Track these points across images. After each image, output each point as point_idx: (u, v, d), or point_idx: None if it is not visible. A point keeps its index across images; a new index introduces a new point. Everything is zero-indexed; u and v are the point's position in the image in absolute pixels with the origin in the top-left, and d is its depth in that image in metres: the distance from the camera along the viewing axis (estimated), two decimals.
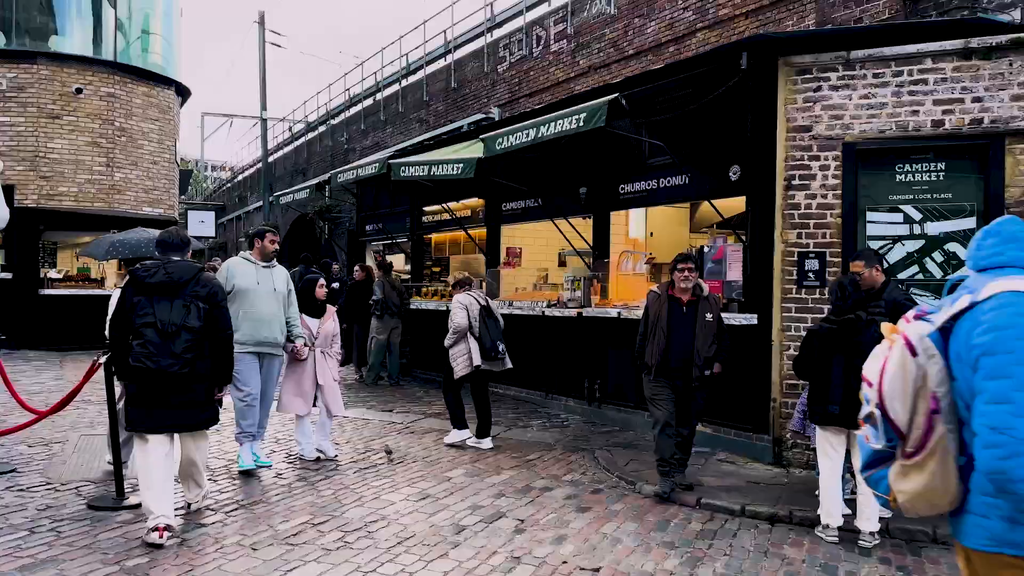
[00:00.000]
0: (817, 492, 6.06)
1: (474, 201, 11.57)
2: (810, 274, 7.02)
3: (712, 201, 7.41)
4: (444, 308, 11.41)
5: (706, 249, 8.08)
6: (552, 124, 7.21)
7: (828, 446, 5.28)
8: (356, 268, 12.05)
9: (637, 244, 9.20)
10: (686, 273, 5.99)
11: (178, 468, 5.20)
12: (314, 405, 7.00)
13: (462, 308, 7.64)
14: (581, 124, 6.83)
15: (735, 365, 7.54)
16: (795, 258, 7.07)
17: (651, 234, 9.23)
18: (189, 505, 5.41)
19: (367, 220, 14.70)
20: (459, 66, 18.43)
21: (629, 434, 8.41)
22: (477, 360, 7.65)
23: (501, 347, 7.63)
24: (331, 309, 7.14)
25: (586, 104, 6.96)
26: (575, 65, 14.93)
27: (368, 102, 23.52)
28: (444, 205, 11.36)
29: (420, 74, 20.20)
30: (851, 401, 5.03)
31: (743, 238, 7.55)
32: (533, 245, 11.42)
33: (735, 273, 7.71)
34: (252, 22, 26.23)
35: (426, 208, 12.83)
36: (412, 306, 12.34)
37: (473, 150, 8.98)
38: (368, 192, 14.51)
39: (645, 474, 6.73)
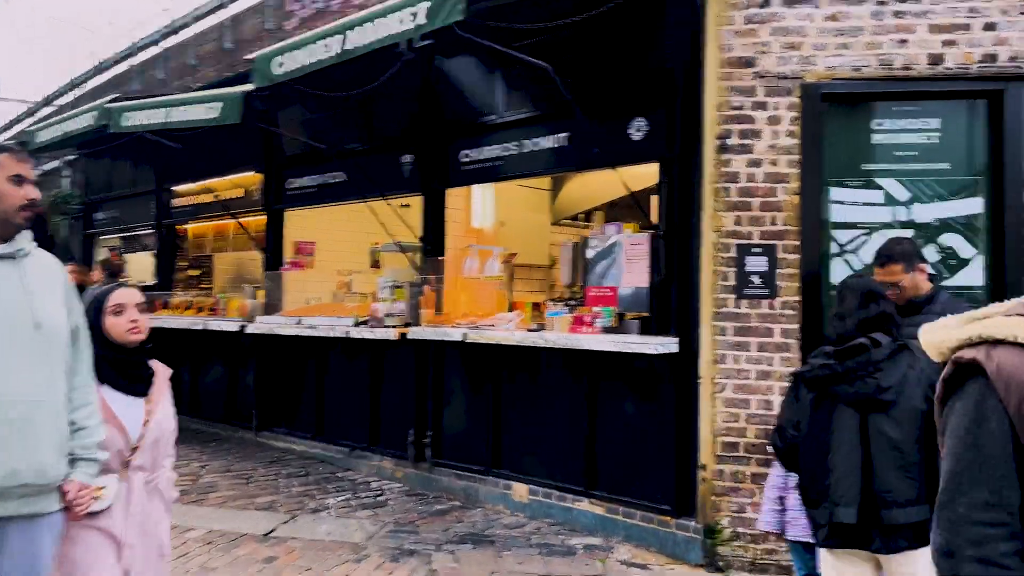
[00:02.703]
0: None
1: (248, 176, 8.31)
2: (754, 278, 4.73)
3: (616, 168, 4.89)
4: (200, 327, 8.06)
5: (592, 243, 5.56)
6: (370, 26, 4.32)
7: None
8: (69, 269, 8.28)
9: (484, 236, 6.57)
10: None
11: None
12: None
13: None
14: (424, 22, 4.02)
15: (643, 415, 5.10)
16: (732, 254, 4.75)
17: (502, 223, 6.64)
18: None
19: (98, 205, 10.80)
20: (236, 23, 14.73)
21: (475, 514, 5.68)
22: None
23: None
24: (162, 372, 2.90)
25: None
26: None
27: (121, 68, 18.98)
28: (203, 182, 8.02)
29: (186, 33, 16.25)
30: (875, 499, 2.64)
31: (653, 225, 5.11)
32: (334, 238, 8.39)
33: (638, 277, 5.26)
34: None
35: (177, 187, 9.29)
36: (156, 323, 8.77)
37: (242, 89, 5.90)
38: (99, 166, 10.64)
39: None
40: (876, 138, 4.72)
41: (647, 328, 5.07)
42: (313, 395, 7.32)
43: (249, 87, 5.54)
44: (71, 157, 11.79)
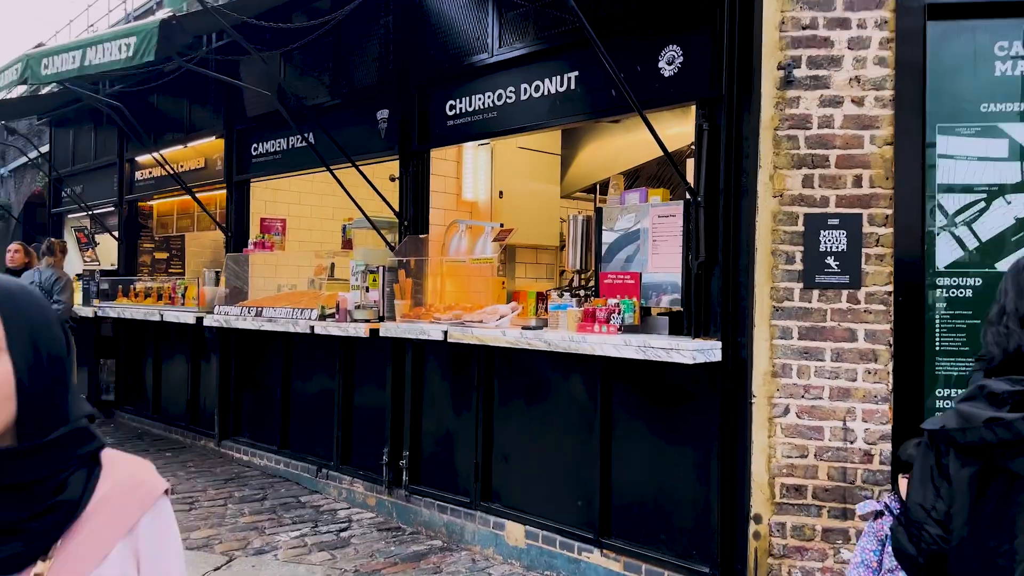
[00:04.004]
0: None
1: (211, 143, 7.14)
2: (830, 260, 3.46)
3: (645, 115, 3.60)
4: (156, 317, 6.97)
5: (608, 216, 4.30)
6: None
7: None
8: (12, 248, 7.25)
9: (477, 211, 5.34)
10: None
11: None
12: None
13: None
14: None
15: (675, 443, 3.86)
16: (799, 227, 3.49)
17: (500, 194, 5.41)
18: None
19: (55, 183, 9.75)
20: None
21: (459, 560, 4.48)
22: None
23: None
24: (124, 495, 1.02)
25: None
26: None
27: (158, 17, 18.00)
28: (157, 154, 6.87)
29: None
30: None
31: (690, 191, 3.83)
32: (316, 215, 7.24)
33: (667, 259, 3.99)
34: None
35: (140, 158, 8.17)
36: (112, 313, 7.72)
37: (156, 18, 4.76)
38: (63, 135, 9.56)
39: None
40: (1000, 68, 3.42)
41: (680, 327, 3.83)
42: (278, 401, 6.17)
43: (168, 12, 4.38)
44: None
